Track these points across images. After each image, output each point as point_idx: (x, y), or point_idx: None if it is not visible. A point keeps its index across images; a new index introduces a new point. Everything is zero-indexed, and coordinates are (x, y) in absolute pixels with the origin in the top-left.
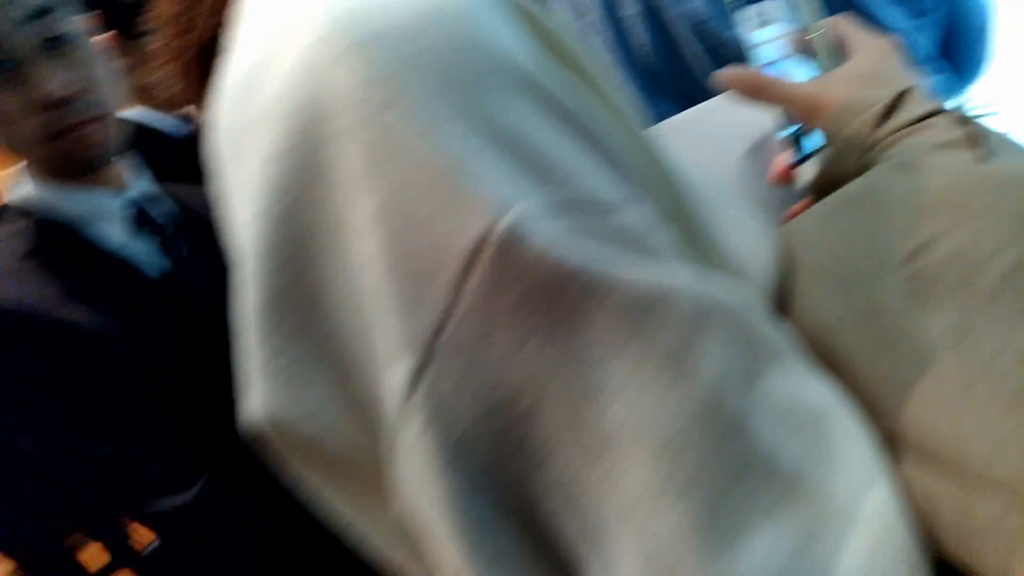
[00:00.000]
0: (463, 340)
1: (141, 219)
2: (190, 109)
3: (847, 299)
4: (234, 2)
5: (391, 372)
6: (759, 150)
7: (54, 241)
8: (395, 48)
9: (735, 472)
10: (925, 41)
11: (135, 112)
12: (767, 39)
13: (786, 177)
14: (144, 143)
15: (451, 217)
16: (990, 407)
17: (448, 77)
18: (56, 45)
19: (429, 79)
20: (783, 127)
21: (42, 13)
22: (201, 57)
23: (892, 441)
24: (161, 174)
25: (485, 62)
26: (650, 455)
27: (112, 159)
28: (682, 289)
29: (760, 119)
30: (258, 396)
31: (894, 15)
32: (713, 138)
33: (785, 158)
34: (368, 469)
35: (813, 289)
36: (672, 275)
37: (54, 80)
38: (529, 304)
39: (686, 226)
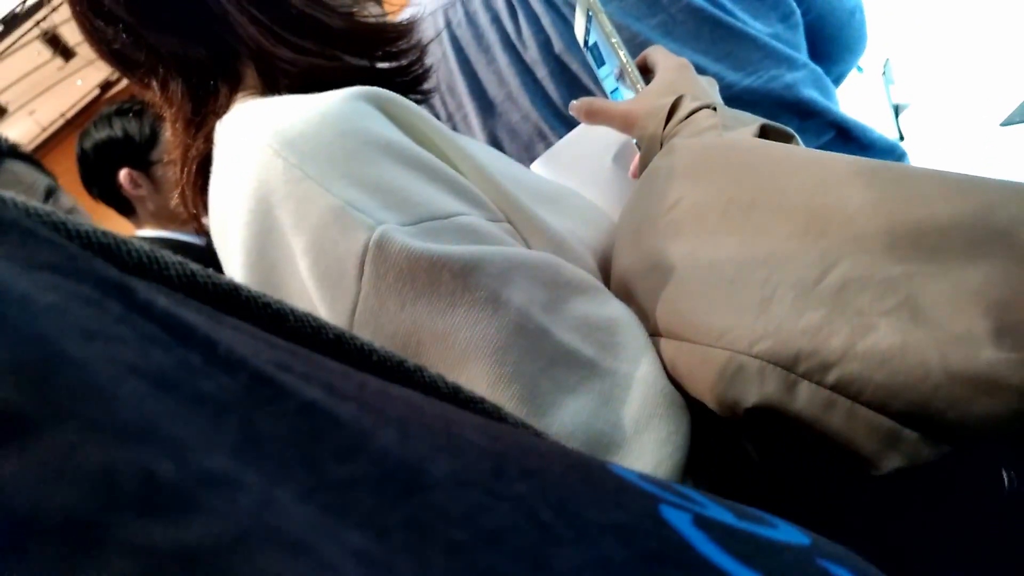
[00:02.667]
0: (367, 315)
1: None
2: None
3: (634, 248)
4: (214, 132)
5: None
6: (622, 155)
7: None
8: (303, 145)
9: (545, 364)
10: (798, 39)
11: (160, 232)
12: (605, 75)
13: (638, 175)
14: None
15: (344, 240)
16: (704, 296)
17: (334, 156)
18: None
19: (323, 159)
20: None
21: (51, 193)
22: (200, 172)
23: (653, 331)
24: None
25: (358, 141)
26: (486, 360)
27: None
28: (494, 254)
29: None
30: None
31: (761, 22)
32: (590, 152)
33: (638, 159)
34: None
35: (620, 247)
36: (486, 249)
37: None
38: (400, 281)
39: (515, 220)
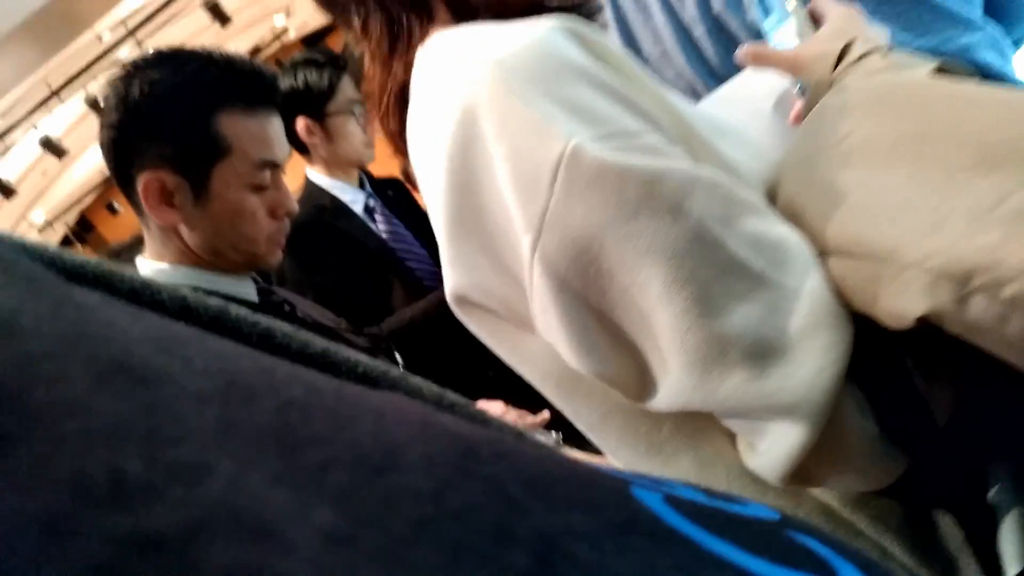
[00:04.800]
0: (556, 217)
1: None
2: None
3: (803, 176)
4: (413, 62)
5: (522, 245)
6: (783, 102)
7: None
8: (508, 66)
9: (718, 272)
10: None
11: (326, 178)
12: (772, 26)
13: (801, 119)
14: (330, 211)
15: (541, 149)
16: (877, 217)
17: (535, 76)
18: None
19: (525, 79)
20: (796, 83)
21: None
22: (399, 98)
23: (822, 250)
24: (332, 242)
25: (556, 65)
26: (664, 264)
27: None
28: (677, 168)
29: (782, 80)
30: (451, 278)
31: None
32: (751, 97)
33: (799, 105)
34: (516, 313)
35: (787, 176)
36: (670, 164)
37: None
38: (590, 188)
39: (692, 145)
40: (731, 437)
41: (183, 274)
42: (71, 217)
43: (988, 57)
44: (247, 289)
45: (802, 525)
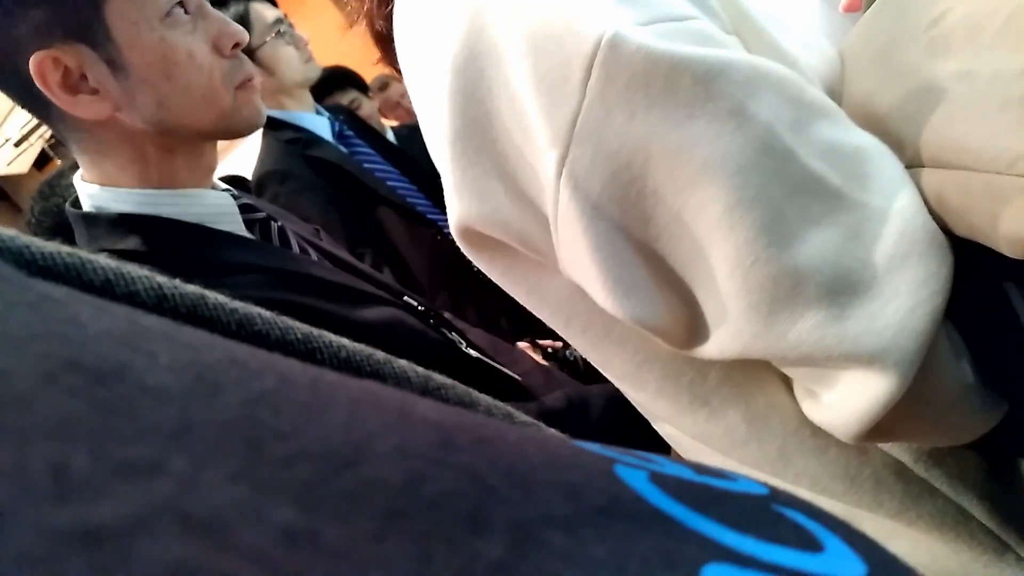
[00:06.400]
0: (589, 126)
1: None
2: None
3: (881, 68)
4: None
5: (544, 164)
6: None
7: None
8: None
9: (790, 191)
10: None
11: (282, 113)
12: None
13: (855, 5)
14: (302, 142)
15: (570, 39)
16: (988, 118)
17: None
18: (217, 4)
19: None
20: None
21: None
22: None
23: (912, 161)
24: (316, 174)
25: None
26: (726, 181)
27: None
28: (740, 60)
29: None
30: (456, 208)
31: None
32: None
33: None
34: (537, 247)
35: (856, 72)
36: (731, 55)
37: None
38: (632, 87)
39: (746, 34)
40: (788, 384)
41: (130, 199)
42: (47, 131)
43: None
44: (218, 204)
45: (789, 499)
